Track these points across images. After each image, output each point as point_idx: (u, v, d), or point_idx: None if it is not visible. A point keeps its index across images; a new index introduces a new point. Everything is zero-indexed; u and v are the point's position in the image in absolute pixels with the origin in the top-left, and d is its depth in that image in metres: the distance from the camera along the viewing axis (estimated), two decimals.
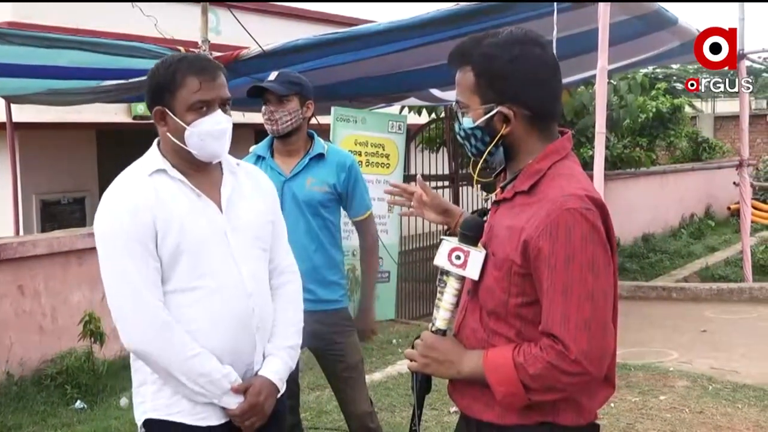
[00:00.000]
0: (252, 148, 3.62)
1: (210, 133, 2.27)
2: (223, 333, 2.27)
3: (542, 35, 1.97)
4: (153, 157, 2.34)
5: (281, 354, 2.43)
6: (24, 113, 9.84)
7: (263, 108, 3.43)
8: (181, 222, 2.23)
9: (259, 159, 3.52)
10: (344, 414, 3.69)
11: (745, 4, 9.32)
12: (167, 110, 2.27)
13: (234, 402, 2.29)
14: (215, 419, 2.30)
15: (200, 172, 2.34)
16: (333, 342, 3.53)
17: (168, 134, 2.30)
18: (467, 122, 1.97)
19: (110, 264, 2.25)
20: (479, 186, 2.22)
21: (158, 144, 2.37)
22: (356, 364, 3.61)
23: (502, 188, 2.01)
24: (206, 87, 2.25)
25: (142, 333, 2.21)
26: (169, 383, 2.26)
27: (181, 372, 2.21)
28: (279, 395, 2.44)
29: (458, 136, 2.03)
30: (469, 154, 2.03)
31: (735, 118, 13.02)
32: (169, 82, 2.25)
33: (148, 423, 2.33)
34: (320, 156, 3.50)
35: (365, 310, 3.70)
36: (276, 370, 2.39)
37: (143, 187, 2.25)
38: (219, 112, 2.28)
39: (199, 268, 2.25)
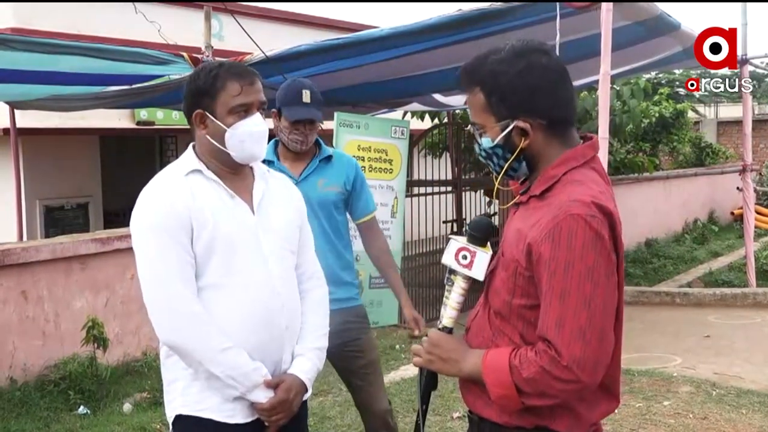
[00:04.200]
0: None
1: (250, 134, 2.36)
2: (252, 329, 2.33)
3: (544, 42, 1.97)
4: (189, 158, 2.42)
5: (310, 355, 2.49)
6: (27, 119, 9.88)
7: (285, 123, 3.42)
8: (215, 220, 2.31)
9: (264, 163, 3.51)
10: (364, 413, 3.65)
11: (748, 9, 9.33)
12: (207, 113, 2.36)
13: (264, 396, 2.34)
14: (242, 417, 2.35)
15: (234, 175, 2.42)
16: (352, 339, 3.53)
17: (207, 137, 2.38)
18: (486, 142, 1.97)
19: (146, 259, 2.29)
20: (482, 191, 2.23)
21: (194, 147, 2.45)
22: (375, 360, 3.62)
23: (521, 193, 2.03)
24: (246, 90, 2.34)
25: (175, 325, 2.26)
26: (200, 378, 2.31)
27: (214, 364, 2.26)
28: (305, 396, 2.50)
29: (480, 157, 2.04)
30: (494, 171, 2.04)
31: (738, 123, 13.01)
32: (210, 86, 2.35)
33: (179, 419, 2.38)
34: (328, 158, 3.53)
35: (407, 305, 3.62)
36: (305, 369, 2.45)
37: (180, 186, 2.33)
38: (258, 114, 2.37)
39: (231, 265, 2.32)
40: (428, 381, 2.08)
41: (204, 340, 2.25)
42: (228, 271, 2.31)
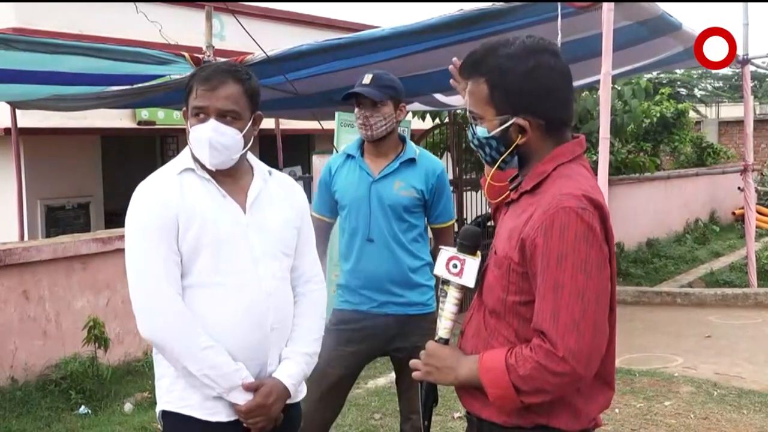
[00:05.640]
0: (342, 147, 3.62)
1: (196, 139, 2.34)
2: (238, 329, 2.33)
3: (554, 42, 1.97)
4: (184, 157, 2.42)
5: (299, 360, 2.47)
6: (29, 119, 9.88)
7: (356, 111, 3.41)
8: (203, 218, 2.31)
9: (348, 158, 3.52)
10: (403, 411, 3.62)
11: (749, 9, 9.33)
12: (188, 113, 2.39)
13: (242, 398, 2.33)
14: (224, 415, 2.35)
15: (228, 175, 2.41)
16: (415, 348, 3.46)
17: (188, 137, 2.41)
18: (482, 132, 1.97)
19: (133, 255, 2.32)
20: (483, 191, 2.24)
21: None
22: None
23: (511, 190, 2.04)
24: (201, 95, 2.32)
25: (156, 321, 2.28)
26: (182, 375, 2.32)
27: (193, 362, 2.26)
28: (294, 401, 2.49)
29: (472, 144, 2.04)
30: (484, 161, 2.06)
31: (739, 123, 13.00)
32: (186, 87, 2.38)
33: (165, 415, 2.40)
34: (411, 161, 3.47)
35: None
36: (290, 374, 2.44)
37: (169, 184, 2.34)
38: (209, 122, 2.32)
39: (218, 265, 2.32)
40: (428, 395, 2.09)
41: (183, 338, 2.26)
42: (215, 270, 2.31)
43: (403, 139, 3.54)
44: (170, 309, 2.27)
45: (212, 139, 2.31)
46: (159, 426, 2.43)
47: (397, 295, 3.42)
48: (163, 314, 2.27)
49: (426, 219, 3.58)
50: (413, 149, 3.51)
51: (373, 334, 3.45)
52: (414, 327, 3.45)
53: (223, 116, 2.33)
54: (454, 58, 2.37)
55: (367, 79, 3.40)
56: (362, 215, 3.44)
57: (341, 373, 3.48)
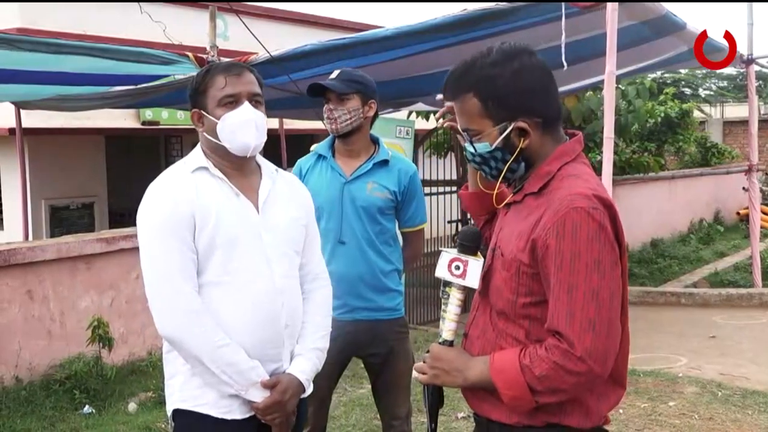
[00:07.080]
0: (313, 147, 3.60)
1: (238, 124, 2.37)
2: (251, 327, 2.35)
3: (528, 44, 1.99)
4: (196, 156, 2.45)
5: (310, 355, 2.50)
6: (33, 119, 9.90)
7: (324, 107, 3.39)
8: (218, 217, 2.33)
9: (320, 158, 3.48)
10: (381, 415, 3.64)
11: (754, 9, 9.30)
12: (202, 111, 2.41)
13: (260, 395, 2.36)
14: (239, 413, 2.37)
15: (240, 173, 2.44)
16: (390, 351, 3.48)
17: (205, 134, 2.43)
18: (483, 147, 1.96)
19: (149, 252, 2.33)
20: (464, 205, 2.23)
21: (201, 147, 2.48)
22: (404, 371, 3.56)
23: (514, 192, 2.03)
24: (231, 82, 2.38)
25: (174, 319, 2.29)
26: (198, 373, 2.33)
27: (211, 360, 2.28)
28: (304, 395, 2.51)
29: (473, 163, 2.02)
30: (489, 177, 2.03)
31: (744, 123, 12.98)
32: (201, 84, 2.41)
33: (177, 413, 2.40)
34: (384, 162, 3.44)
35: None
36: (304, 370, 2.47)
37: (185, 183, 2.36)
38: (246, 104, 2.38)
39: (232, 263, 2.34)
40: (434, 398, 2.09)
41: (201, 336, 2.27)
42: (229, 268, 2.33)
43: (375, 141, 3.51)
44: (187, 307, 2.28)
45: (256, 120, 2.38)
46: (165, 425, 2.44)
47: (368, 299, 3.39)
48: (180, 313, 2.28)
49: (398, 223, 3.55)
50: (386, 151, 3.48)
51: (346, 342, 3.41)
52: (385, 331, 3.46)
53: (252, 100, 2.40)
54: (438, 95, 2.38)
55: (334, 74, 3.39)
56: (334, 217, 3.40)
57: (328, 385, 3.50)
